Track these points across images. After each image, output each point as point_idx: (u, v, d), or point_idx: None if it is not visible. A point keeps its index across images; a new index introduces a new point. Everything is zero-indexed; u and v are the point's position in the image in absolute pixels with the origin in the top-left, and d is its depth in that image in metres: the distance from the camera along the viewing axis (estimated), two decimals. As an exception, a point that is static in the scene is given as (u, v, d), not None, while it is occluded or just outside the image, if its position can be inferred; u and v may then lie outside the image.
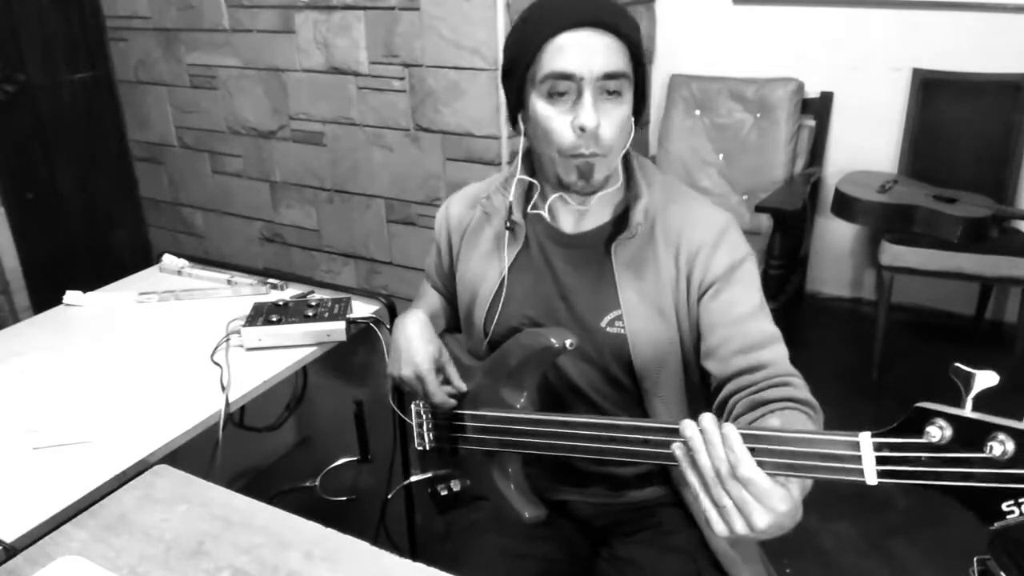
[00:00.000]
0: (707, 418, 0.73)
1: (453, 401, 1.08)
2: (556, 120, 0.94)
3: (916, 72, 2.64)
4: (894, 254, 2.43)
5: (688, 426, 0.74)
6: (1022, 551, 1.40)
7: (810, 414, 0.89)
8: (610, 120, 0.93)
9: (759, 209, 2.43)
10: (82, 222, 3.18)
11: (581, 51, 0.91)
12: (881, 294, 2.50)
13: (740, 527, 0.71)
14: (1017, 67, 2.50)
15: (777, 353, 0.96)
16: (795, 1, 2.78)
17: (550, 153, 0.97)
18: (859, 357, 2.64)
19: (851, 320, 2.99)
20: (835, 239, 3.00)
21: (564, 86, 0.93)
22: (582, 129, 0.92)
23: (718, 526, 0.72)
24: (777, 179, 2.71)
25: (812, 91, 2.79)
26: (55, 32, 2.96)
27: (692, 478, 0.74)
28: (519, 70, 0.97)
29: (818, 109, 2.80)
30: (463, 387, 1.08)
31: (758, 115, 2.76)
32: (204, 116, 3.04)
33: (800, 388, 0.92)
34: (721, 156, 2.82)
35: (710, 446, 0.72)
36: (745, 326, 0.96)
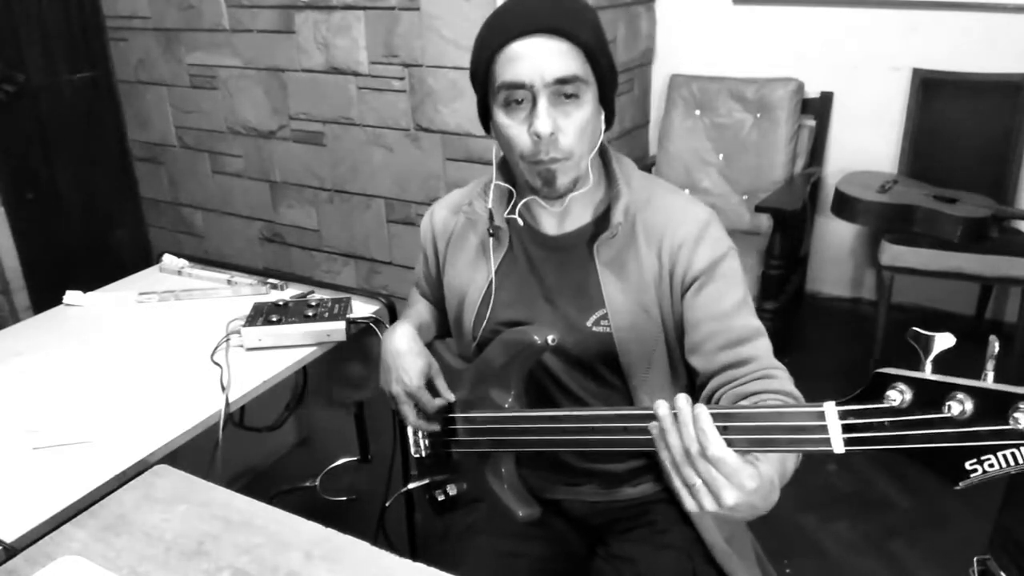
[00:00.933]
0: (681, 398, 0.75)
1: (436, 425, 1.11)
2: (514, 128, 0.95)
3: (916, 72, 2.64)
4: (894, 254, 2.42)
5: (661, 406, 0.76)
6: (1022, 551, 1.40)
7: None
8: (570, 124, 0.94)
9: (759, 209, 2.43)
10: (82, 222, 3.18)
11: (531, 59, 0.91)
12: (881, 294, 2.50)
13: (709, 504, 0.73)
14: (1017, 67, 2.50)
15: (761, 347, 0.97)
16: (795, 1, 2.77)
17: (515, 160, 0.98)
18: (859, 357, 2.64)
19: (851, 320, 2.99)
20: (835, 239, 2.99)
21: (519, 95, 0.93)
22: (538, 136, 0.92)
23: (688, 503, 0.74)
24: (777, 179, 2.70)
25: (812, 91, 2.79)
26: (55, 32, 2.96)
27: (664, 456, 0.76)
28: (479, 81, 0.98)
29: (818, 109, 2.80)
30: (451, 397, 1.10)
31: (758, 115, 2.75)
32: (204, 116, 3.04)
33: (784, 380, 0.94)
34: (721, 156, 2.82)
35: (681, 426, 0.74)
36: (729, 321, 0.97)
